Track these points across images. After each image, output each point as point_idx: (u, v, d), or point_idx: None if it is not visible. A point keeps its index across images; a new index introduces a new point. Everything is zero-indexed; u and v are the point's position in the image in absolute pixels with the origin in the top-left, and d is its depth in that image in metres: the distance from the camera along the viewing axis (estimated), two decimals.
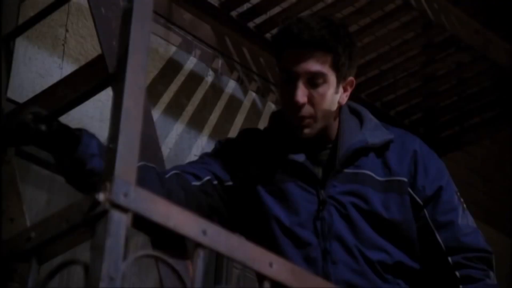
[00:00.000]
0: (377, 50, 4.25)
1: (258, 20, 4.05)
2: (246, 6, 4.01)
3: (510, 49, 4.24)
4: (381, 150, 1.98)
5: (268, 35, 4.09)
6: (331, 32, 1.94)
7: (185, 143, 3.69)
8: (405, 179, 1.96)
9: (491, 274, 1.95)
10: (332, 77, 1.95)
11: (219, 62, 3.93)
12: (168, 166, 2.13)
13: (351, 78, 2.00)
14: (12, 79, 3.08)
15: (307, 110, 1.93)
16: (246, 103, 3.99)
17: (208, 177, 1.98)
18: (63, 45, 3.34)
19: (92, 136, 1.86)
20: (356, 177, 1.95)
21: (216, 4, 3.94)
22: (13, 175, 2.45)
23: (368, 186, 1.94)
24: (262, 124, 3.98)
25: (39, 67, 3.24)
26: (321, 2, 3.98)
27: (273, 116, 2.09)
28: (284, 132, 2.01)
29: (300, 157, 1.96)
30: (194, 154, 3.70)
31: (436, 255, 1.96)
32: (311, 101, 1.93)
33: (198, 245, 1.20)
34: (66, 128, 1.84)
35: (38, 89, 3.01)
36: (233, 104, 3.94)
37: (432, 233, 1.96)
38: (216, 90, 3.89)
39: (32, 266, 1.22)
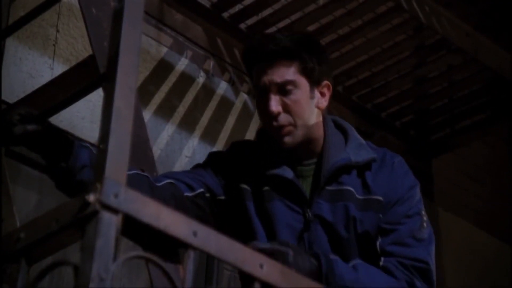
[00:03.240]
0: (368, 52, 4.26)
1: (249, 22, 4.05)
2: (237, 8, 4.01)
3: (501, 52, 4.26)
4: (363, 168, 1.99)
5: None
6: (293, 40, 1.97)
7: (176, 144, 3.68)
8: (381, 198, 1.97)
9: (417, 283, 1.92)
10: (302, 82, 1.96)
11: (210, 63, 3.93)
12: (158, 167, 2.12)
13: (326, 82, 2.01)
14: (3, 79, 3.07)
15: (284, 118, 1.95)
16: (238, 104, 3.99)
17: (201, 190, 1.99)
18: (54, 45, 3.33)
19: (84, 146, 1.86)
20: (339, 194, 1.96)
21: (208, 5, 3.94)
22: (3, 176, 2.44)
23: (349, 202, 1.96)
24: (253, 125, 4.00)
25: (30, 68, 3.23)
26: (313, 4, 3.99)
27: (260, 132, 2.09)
28: (271, 148, 2.01)
29: (289, 174, 1.97)
30: (185, 155, 3.70)
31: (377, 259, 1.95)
32: (286, 109, 1.95)
33: (188, 246, 1.20)
34: (57, 130, 1.83)
35: (29, 90, 3.01)
36: (225, 105, 3.94)
37: (376, 240, 1.96)
38: (207, 91, 3.89)
39: (21, 267, 1.21)
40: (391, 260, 1.93)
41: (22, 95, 2.99)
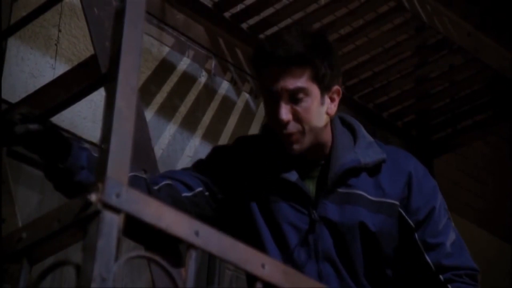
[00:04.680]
0: (370, 52, 4.26)
1: (251, 21, 4.05)
2: (239, 7, 4.01)
3: (503, 51, 4.25)
4: (373, 169, 1.98)
5: (261, 36, 4.09)
6: (307, 45, 1.93)
7: (178, 144, 3.68)
8: (397, 202, 1.97)
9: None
10: (314, 90, 1.94)
11: (212, 63, 3.93)
12: (160, 167, 2.12)
13: (336, 87, 1.98)
14: (4, 79, 3.07)
15: (293, 126, 1.93)
16: (239, 104, 3.99)
17: (200, 189, 1.97)
18: (55, 45, 3.33)
19: (83, 147, 1.85)
20: (348, 197, 1.95)
21: (210, 5, 3.94)
22: (5, 176, 2.44)
23: (359, 206, 1.95)
24: (255, 125, 4.00)
25: (32, 67, 3.23)
26: (314, 4, 3.99)
27: (266, 127, 2.06)
28: (276, 146, 1.99)
29: (293, 176, 1.96)
30: (187, 155, 3.70)
31: (426, 274, 2.00)
32: (296, 117, 1.93)
33: (190, 246, 1.20)
34: (57, 131, 1.83)
35: (31, 89, 3.00)
36: (226, 105, 3.94)
37: (421, 254, 1.99)
38: (209, 91, 3.89)
39: (23, 267, 1.21)
40: (448, 275, 1.99)
41: (23, 95, 2.98)
